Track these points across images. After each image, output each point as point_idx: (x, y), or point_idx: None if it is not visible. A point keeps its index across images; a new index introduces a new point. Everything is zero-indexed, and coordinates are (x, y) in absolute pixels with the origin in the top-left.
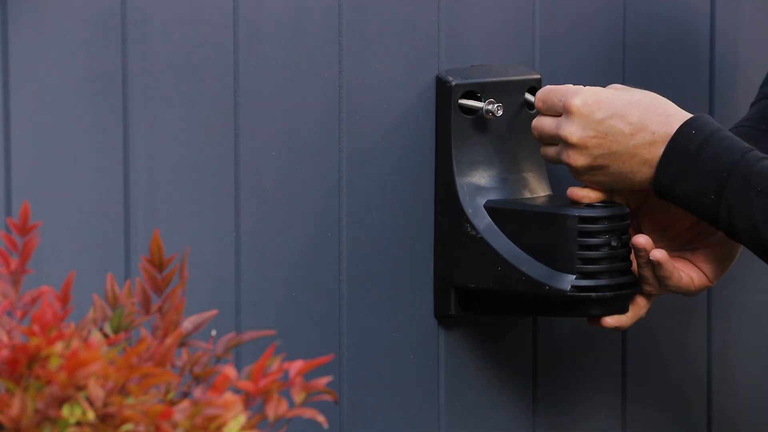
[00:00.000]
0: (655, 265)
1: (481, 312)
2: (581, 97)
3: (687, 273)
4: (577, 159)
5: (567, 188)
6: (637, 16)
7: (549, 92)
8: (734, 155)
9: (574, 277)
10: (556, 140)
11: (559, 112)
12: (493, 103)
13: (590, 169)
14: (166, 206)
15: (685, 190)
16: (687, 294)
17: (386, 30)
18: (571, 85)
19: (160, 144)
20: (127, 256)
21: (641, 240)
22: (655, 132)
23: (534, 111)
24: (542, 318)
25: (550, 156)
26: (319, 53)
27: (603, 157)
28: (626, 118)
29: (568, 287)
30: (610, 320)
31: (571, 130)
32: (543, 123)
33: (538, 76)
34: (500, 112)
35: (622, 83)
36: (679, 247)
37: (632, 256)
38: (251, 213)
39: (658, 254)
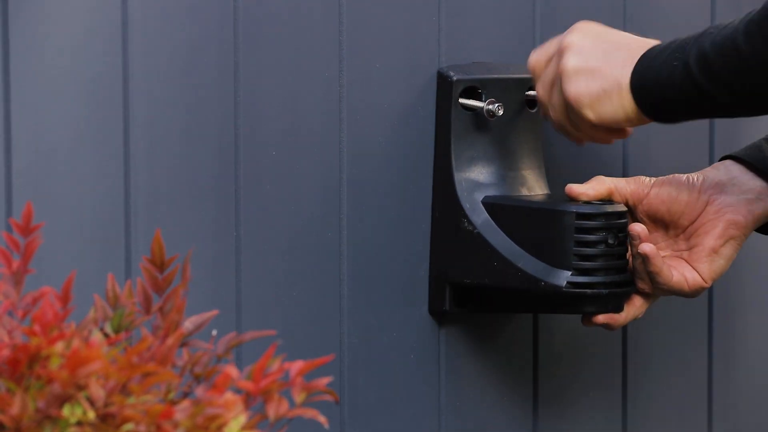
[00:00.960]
0: (644, 259)
1: (476, 308)
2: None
3: (681, 272)
4: (569, 59)
5: (565, 187)
6: (638, 16)
7: (536, 53)
8: (693, 36)
9: (570, 273)
10: (553, 71)
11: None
12: (493, 102)
13: (580, 71)
14: (167, 206)
15: (657, 75)
16: (682, 294)
17: (387, 29)
18: None
19: (161, 144)
20: (127, 256)
21: (636, 228)
22: (640, 47)
23: (534, 109)
24: (543, 316)
25: (541, 95)
26: (319, 52)
27: (596, 58)
28: (621, 36)
29: (564, 283)
30: (602, 317)
31: (571, 38)
32: (542, 79)
33: None
34: (501, 112)
35: None
36: (679, 246)
37: (629, 255)
38: (251, 213)
39: (647, 248)
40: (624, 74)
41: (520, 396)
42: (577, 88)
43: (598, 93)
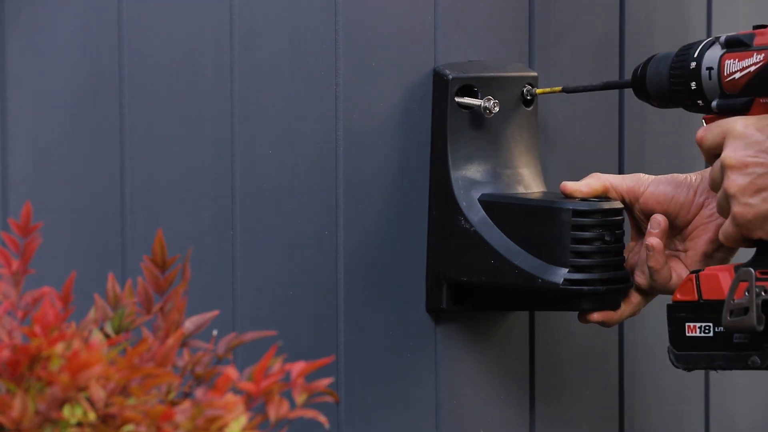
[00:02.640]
0: (648, 252)
1: (473, 306)
2: (741, 122)
3: (678, 273)
4: (735, 180)
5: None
6: (635, 15)
7: (706, 131)
8: None
9: (567, 270)
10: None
11: (720, 145)
12: (490, 100)
13: (748, 191)
14: (164, 205)
15: None
16: None
17: (382, 27)
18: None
19: (158, 143)
20: (124, 255)
21: (658, 218)
22: None
23: (530, 108)
24: (539, 314)
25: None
26: (315, 51)
27: (764, 176)
28: None
29: (561, 280)
30: (598, 315)
31: (728, 153)
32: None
33: (535, 74)
34: (497, 109)
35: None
36: (676, 246)
37: (626, 252)
38: (249, 212)
39: (653, 241)
40: None
41: (517, 393)
42: (743, 210)
43: (763, 213)
